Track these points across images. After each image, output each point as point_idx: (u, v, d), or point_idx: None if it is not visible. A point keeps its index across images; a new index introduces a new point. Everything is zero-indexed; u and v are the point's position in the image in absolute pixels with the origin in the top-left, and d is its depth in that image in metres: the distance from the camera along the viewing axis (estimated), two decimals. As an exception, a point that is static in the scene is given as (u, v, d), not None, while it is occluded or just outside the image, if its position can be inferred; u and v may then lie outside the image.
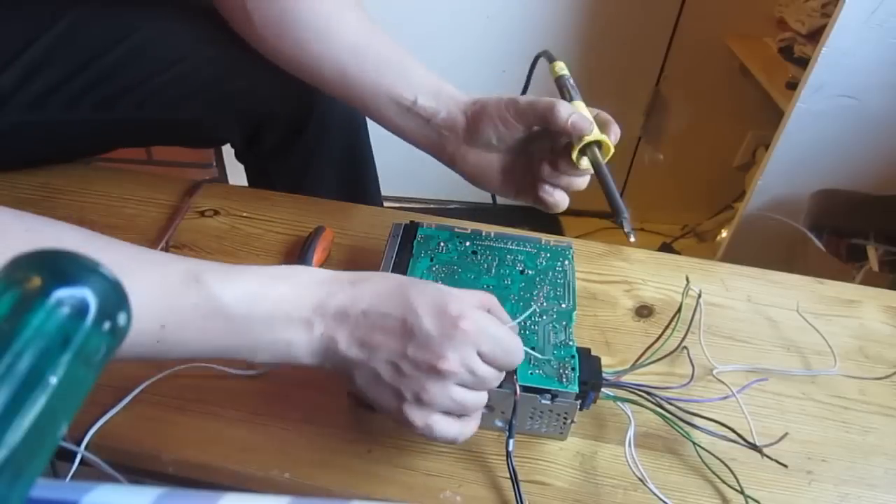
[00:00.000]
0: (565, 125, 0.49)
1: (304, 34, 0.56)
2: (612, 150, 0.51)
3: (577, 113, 0.50)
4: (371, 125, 0.78)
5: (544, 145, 0.53)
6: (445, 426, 0.40)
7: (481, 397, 0.41)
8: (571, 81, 0.56)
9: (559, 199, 0.54)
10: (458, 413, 0.40)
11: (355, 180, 0.80)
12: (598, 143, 0.50)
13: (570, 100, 0.54)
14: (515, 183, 0.56)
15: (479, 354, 0.39)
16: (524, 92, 0.59)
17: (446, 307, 0.38)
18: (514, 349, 0.41)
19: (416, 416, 0.39)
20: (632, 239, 0.47)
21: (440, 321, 0.38)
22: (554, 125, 0.50)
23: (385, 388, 0.39)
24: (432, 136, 0.56)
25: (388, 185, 0.85)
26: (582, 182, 0.54)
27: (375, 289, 0.39)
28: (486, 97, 0.54)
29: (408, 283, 0.40)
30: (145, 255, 0.38)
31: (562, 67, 0.57)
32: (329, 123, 0.74)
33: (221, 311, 0.36)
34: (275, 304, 0.37)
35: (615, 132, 0.52)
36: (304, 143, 0.74)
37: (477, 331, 0.38)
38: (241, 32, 0.61)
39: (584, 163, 0.51)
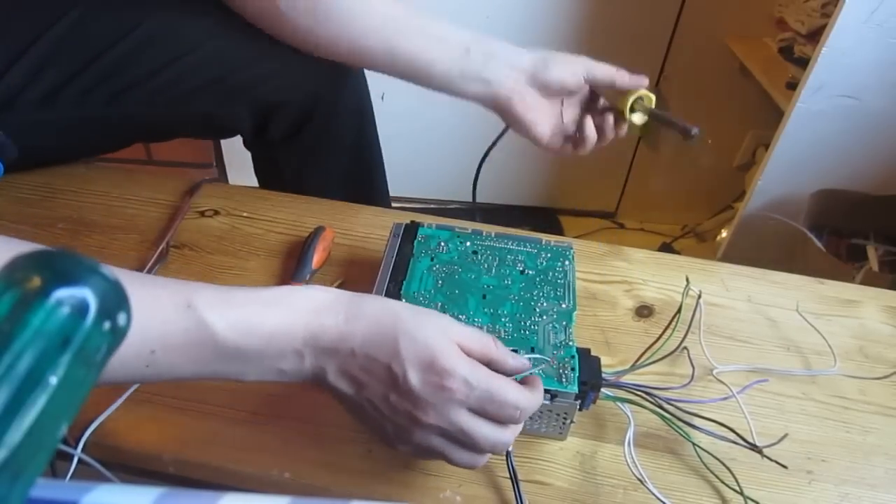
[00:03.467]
0: (628, 82, 0.64)
1: (342, 17, 0.59)
2: (654, 100, 0.64)
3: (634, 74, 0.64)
4: (379, 125, 0.78)
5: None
6: (424, 456, 0.40)
7: (466, 456, 0.40)
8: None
9: (589, 135, 0.66)
10: (440, 457, 0.40)
11: (363, 170, 0.80)
12: (641, 97, 0.64)
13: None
14: (560, 128, 0.66)
15: (471, 410, 0.38)
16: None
17: (434, 362, 0.37)
18: (508, 403, 0.38)
19: (402, 448, 0.40)
20: (709, 141, 0.57)
21: (425, 376, 0.37)
22: (619, 84, 0.64)
23: (371, 421, 0.40)
24: (490, 76, 0.62)
25: (389, 184, 0.85)
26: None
27: (368, 327, 0.38)
28: (547, 52, 0.63)
29: (401, 327, 0.38)
30: (136, 278, 0.37)
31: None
32: (337, 112, 0.74)
33: (212, 339, 0.35)
34: (267, 336, 0.36)
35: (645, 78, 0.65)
36: (313, 131, 0.74)
37: (464, 389, 0.37)
38: (269, 27, 0.62)
39: (637, 117, 0.65)
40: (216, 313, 0.35)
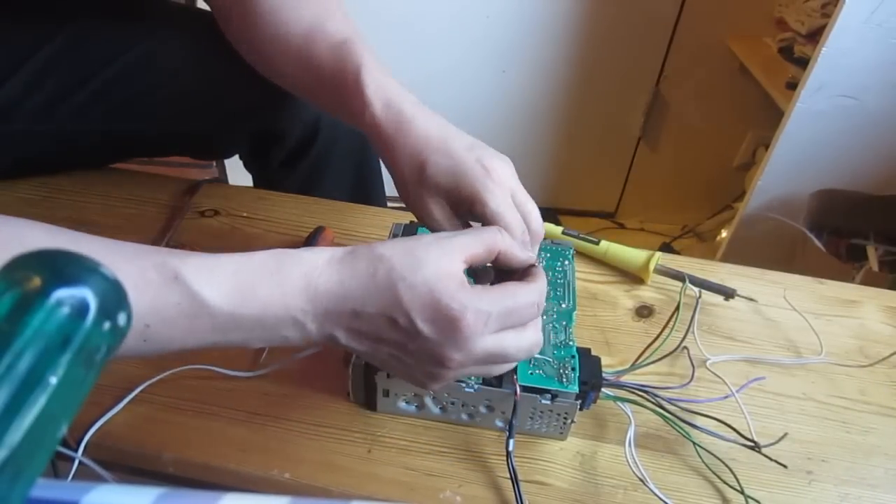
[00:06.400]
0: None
1: (259, 31, 0.54)
2: None
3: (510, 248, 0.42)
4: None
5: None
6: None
7: (504, 364, 0.39)
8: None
9: None
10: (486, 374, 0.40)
11: (362, 185, 0.81)
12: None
13: None
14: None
15: (494, 333, 0.37)
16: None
17: (439, 305, 0.35)
18: (525, 307, 0.38)
19: (435, 386, 0.39)
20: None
21: (436, 322, 0.35)
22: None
23: (401, 370, 0.39)
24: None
25: (389, 184, 0.85)
26: None
27: (364, 285, 0.36)
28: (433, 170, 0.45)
29: (396, 277, 0.36)
30: (119, 250, 0.35)
31: None
32: (337, 140, 0.74)
33: (206, 310, 0.34)
34: (262, 305, 0.35)
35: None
36: (312, 156, 0.74)
37: (479, 322, 0.36)
38: (227, 32, 0.60)
39: None
40: (206, 282, 0.34)
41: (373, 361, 0.40)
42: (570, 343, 0.48)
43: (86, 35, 0.62)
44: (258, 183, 0.83)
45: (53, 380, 0.19)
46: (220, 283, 0.34)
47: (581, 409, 0.47)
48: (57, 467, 0.45)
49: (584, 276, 0.64)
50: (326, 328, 0.37)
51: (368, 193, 0.81)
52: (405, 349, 0.37)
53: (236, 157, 0.81)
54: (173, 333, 0.34)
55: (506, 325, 0.37)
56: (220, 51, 0.64)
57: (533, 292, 0.38)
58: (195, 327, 0.35)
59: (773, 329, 0.61)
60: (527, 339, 0.39)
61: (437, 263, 0.36)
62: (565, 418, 0.48)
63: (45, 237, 0.34)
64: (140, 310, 0.33)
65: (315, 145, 0.73)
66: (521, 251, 0.40)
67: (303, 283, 0.36)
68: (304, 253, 0.37)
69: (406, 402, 0.49)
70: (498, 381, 0.46)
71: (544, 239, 0.56)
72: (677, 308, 0.53)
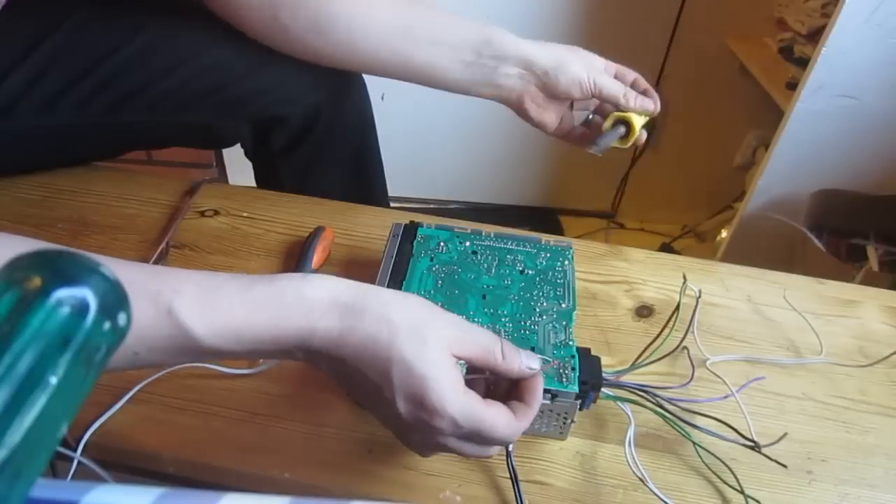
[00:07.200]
0: (634, 105, 0.63)
1: (345, 27, 0.59)
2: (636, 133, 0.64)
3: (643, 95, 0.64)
4: (379, 126, 0.79)
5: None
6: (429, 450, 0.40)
7: (470, 448, 0.39)
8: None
9: (598, 144, 0.64)
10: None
11: (362, 181, 0.81)
12: (627, 123, 0.63)
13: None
14: (567, 125, 0.67)
15: (458, 439, 0.37)
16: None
17: (424, 400, 0.35)
18: (496, 440, 0.37)
19: (402, 438, 0.40)
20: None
21: (414, 411, 0.36)
22: (623, 107, 0.63)
23: (370, 408, 0.40)
24: (504, 80, 0.63)
25: (389, 184, 0.85)
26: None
27: (362, 344, 0.35)
28: (560, 53, 0.62)
29: (396, 355, 0.35)
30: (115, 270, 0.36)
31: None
32: (339, 124, 0.74)
33: (196, 344, 0.34)
34: (252, 342, 0.35)
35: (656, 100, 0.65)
36: (314, 144, 0.74)
37: (451, 428, 0.36)
38: (271, 40, 0.62)
39: (608, 123, 0.64)
40: (198, 319, 0.34)
41: (347, 393, 0.41)
42: (570, 343, 0.48)
43: (86, 28, 0.62)
44: (259, 170, 0.83)
45: (53, 380, 0.19)
46: (212, 320, 0.34)
47: (581, 408, 0.47)
48: (56, 467, 0.45)
49: (584, 276, 0.64)
50: (313, 358, 0.37)
51: (369, 178, 0.81)
52: (377, 406, 0.38)
53: (236, 154, 0.81)
54: (163, 358, 0.35)
55: (472, 440, 0.38)
56: (220, 38, 0.64)
57: (509, 431, 0.37)
58: (183, 354, 0.35)
59: (773, 329, 0.61)
60: (487, 452, 0.40)
61: (438, 358, 0.36)
62: (565, 418, 0.48)
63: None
64: (129, 339, 0.33)
65: (316, 129, 0.73)
66: (519, 362, 0.39)
67: (300, 325, 0.35)
68: (307, 289, 0.36)
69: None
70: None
71: (543, 239, 0.57)
72: (677, 308, 0.53)
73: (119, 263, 0.34)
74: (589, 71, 0.62)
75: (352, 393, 0.40)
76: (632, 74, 0.67)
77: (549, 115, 0.66)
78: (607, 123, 0.64)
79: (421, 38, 0.61)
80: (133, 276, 0.34)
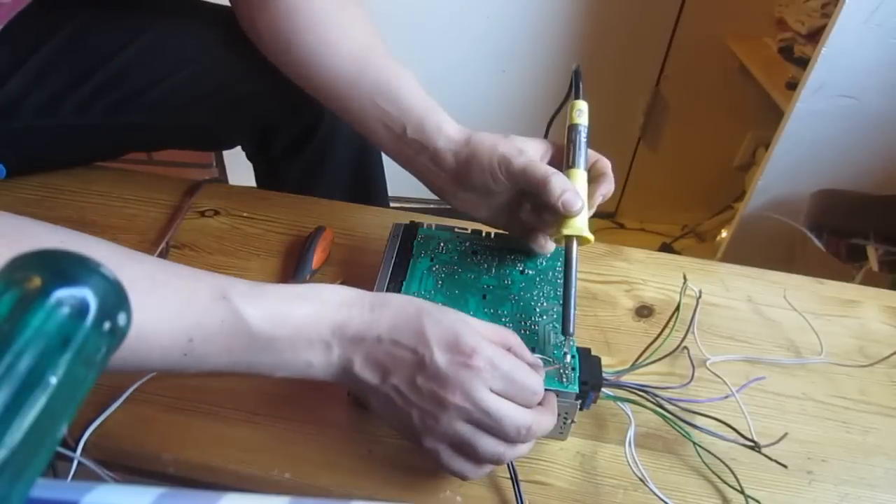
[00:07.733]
0: (556, 203, 0.47)
1: (306, 49, 0.56)
2: (592, 242, 0.50)
3: (570, 191, 0.47)
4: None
5: (532, 198, 0.52)
6: (448, 457, 0.40)
7: (493, 444, 0.39)
8: (583, 136, 0.52)
9: (544, 245, 0.55)
10: (466, 450, 0.40)
11: (363, 186, 0.81)
12: (579, 238, 0.49)
13: (572, 161, 0.51)
14: (504, 220, 0.56)
15: (493, 391, 0.39)
16: (564, 101, 0.55)
17: (459, 341, 0.38)
18: (528, 386, 0.40)
19: (426, 440, 0.40)
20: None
21: (451, 355, 0.38)
22: (545, 199, 0.48)
23: (397, 412, 0.40)
24: (422, 167, 0.54)
25: (389, 184, 0.85)
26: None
27: (393, 315, 0.39)
28: (479, 140, 0.51)
29: (425, 313, 0.40)
30: (174, 268, 0.38)
31: (581, 113, 0.53)
32: (339, 128, 0.74)
33: (246, 329, 0.37)
34: (297, 326, 0.38)
35: (607, 187, 0.51)
36: (314, 147, 0.74)
37: (488, 368, 0.38)
38: (254, 42, 0.61)
39: (562, 242, 0.50)
40: (249, 304, 0.37)
41: (375, 401, 0.41)
42: (570, 343, 0.48)
43: (87, 31, 0.63)
44: (260, 173, 0.83)
45: (53, 380, 0.19)
46: (262, 305, 0.37)
47: (581, 408, 0.47)
48: (56, 467, 0.45)
49: (584, 276, 0.64)
50: (348, 352, 0.39)
51: (370, 183, 0.81)
52: (412, 383, 0.39)
53: (237, 154, 0.82)
54: (212, 350, 0.37)
55: (508, 392, 0.39)
56: (220, 41, 0.64)
57: (539, 385, 0.41)
58: (232, 346, 0.37)
59: (774, 329, 0.61)
60: (523, 418, 0.39)
61: (462, 317, 0.41)
62: (565, 418, 0.48)
63: (108, 254, 0.36)
64: (187, 323, 0.36)
65: (317, 134, 0.73)
66: (531, 355, 0.43)
67: (337, 309, 0.39)
68: (339, 287, 0.41)
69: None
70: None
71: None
72: (677, 308, 0.53)
73: (176, 265, 0.38)
74: (500, 159, 0.50)
75: (380, 389, 0.39)
76: (596, 157, 0.54)
77: (499, 187, 0.51)
78: (559, 234, 0.50)
79: (365, 94, 0.54)
80: (192, 270, 0.39)
